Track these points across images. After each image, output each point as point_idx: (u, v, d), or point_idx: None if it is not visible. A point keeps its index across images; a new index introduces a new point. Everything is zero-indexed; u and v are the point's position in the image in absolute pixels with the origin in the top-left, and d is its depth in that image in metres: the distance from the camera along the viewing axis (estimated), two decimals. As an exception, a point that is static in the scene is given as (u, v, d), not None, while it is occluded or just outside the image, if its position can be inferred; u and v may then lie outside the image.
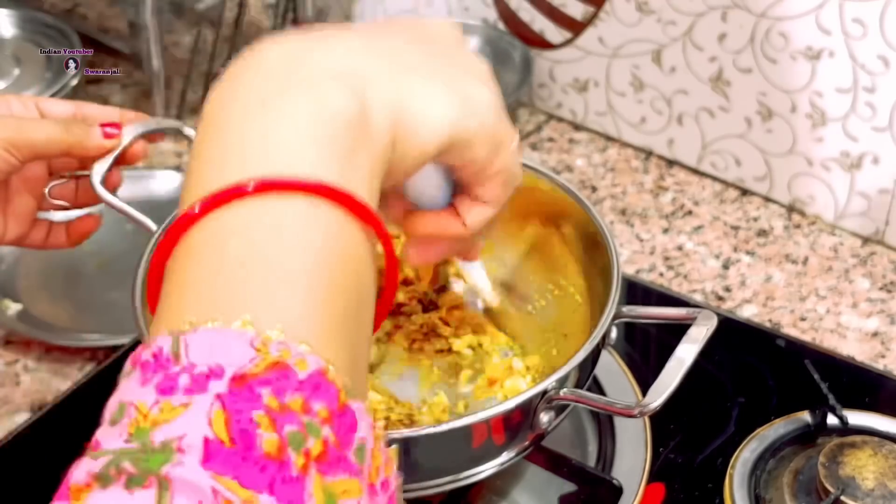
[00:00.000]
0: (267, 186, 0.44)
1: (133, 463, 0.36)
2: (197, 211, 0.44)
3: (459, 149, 0.54)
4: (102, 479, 0.36)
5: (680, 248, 1.07)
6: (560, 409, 0.73)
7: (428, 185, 0.63)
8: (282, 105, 0.46)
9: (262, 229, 0.44)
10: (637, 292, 1.01)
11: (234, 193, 0.44)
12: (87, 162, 0.74)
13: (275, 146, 0.45)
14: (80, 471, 0.37)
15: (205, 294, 0.43)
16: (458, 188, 0.64)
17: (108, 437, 0.38)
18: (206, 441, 0.37)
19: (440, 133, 0.52)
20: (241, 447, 0.37)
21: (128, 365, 0.41)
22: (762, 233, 1.08)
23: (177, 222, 0.44)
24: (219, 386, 0.38)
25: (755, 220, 1.10)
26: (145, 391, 0.39)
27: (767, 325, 0.99)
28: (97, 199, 0.75)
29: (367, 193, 0.47)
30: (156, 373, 0.39)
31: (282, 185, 0.44)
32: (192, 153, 0.48)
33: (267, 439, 0.38)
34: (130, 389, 0.40)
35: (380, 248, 0.49)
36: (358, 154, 0.47)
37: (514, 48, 1.19)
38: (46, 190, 0.77)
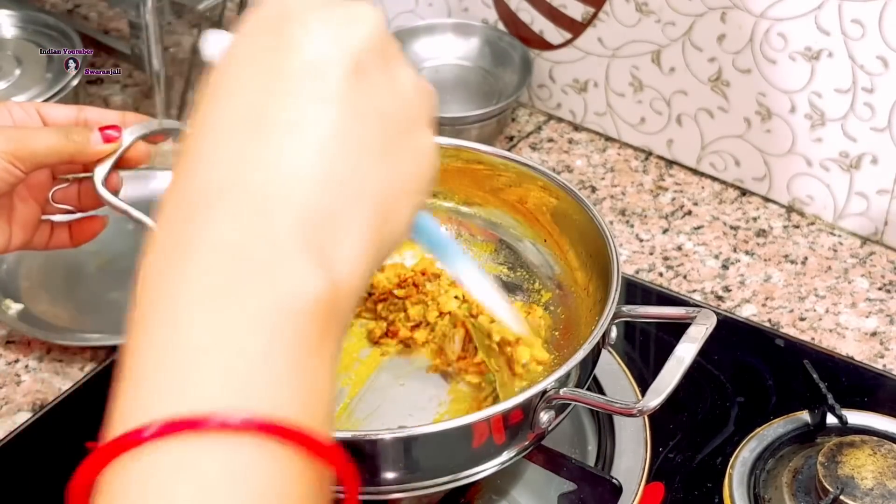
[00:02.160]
0: (212, 426, 0.36)
1: None
2: (149, 434, 0.36)
3: None
4: None
5: (679, 248, 1.07)
6: (560, 409, 0.73)
7: None
8: (233, 296, 0.39)
9: (209, 478, 0.36)
10: (637, 292, 1.01)
11: (175, 428, 0.36)
12: (89, 166, 0.75)
13: (224, 361, 0.37)
14: None
15: None
16: None
17: None
18: None
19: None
20: None
21: None
22: (761, 233, 1.08)
23: (111, 446, 0.36)
24: None
25: (754, 220, 1.10)
26: None
27: (766, 324, 0.99)
28: (100, 202, 0.75)
29: (330, 384, 0.41)
30: None
31: (233, 427, 0.36)
32: (128, 327, 0.40)
33: None
34: None
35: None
36: (326, 342, 0.40)
37: (513, 49, 1.19)
38: (50, 195, 0.77)
